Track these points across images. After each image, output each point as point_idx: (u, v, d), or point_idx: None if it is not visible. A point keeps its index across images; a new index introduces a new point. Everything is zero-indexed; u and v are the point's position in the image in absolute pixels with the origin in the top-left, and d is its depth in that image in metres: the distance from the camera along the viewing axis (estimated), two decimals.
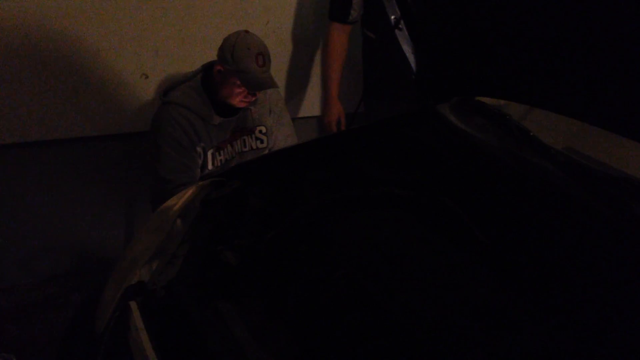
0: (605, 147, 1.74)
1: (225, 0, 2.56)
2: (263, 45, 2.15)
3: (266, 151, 2.39)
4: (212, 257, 1.37)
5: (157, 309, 1.28)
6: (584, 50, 1.40)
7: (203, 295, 1.29)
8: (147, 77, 2.51)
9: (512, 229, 1.44)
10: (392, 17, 1.78)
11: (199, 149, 2.20)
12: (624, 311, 1.20)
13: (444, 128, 1.73)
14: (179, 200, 1.50)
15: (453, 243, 1.42)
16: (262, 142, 2.39)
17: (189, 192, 1.51)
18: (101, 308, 1.40)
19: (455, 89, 1.82)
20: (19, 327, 2.45)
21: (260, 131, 2.38)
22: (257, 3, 2.64)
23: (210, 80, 2.21)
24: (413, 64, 1.83)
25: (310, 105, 3.01)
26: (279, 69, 2.60)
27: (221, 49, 2.15)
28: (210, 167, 2.25)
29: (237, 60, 2.10)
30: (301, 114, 3.01)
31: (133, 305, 1.28)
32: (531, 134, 1.60)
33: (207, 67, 2.25)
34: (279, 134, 2.43)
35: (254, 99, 2.23)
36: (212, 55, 2.30)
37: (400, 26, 1.77)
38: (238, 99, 2.18)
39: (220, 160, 2.29)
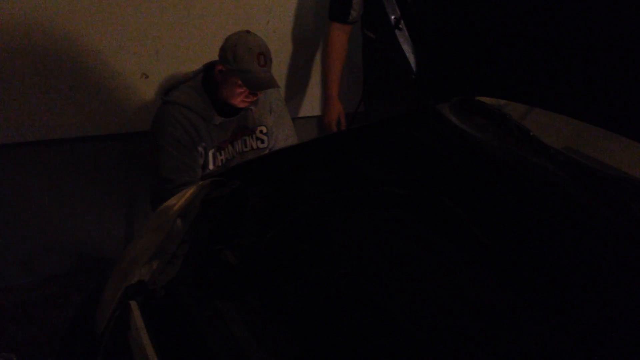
0: (605, 147, 1.74)
1: (225, 1, 2.56)
2: (264, 45, 2.15)
3: (266, 151, 2.39)
4: (212, 257, 1.37)
5: (157, 309, 1.28)
6: (584, 50, 1.40)
7: (203, 295, 1.29)
8: (147, 77, 2.51)
9: (512, 228, 1.44)
10: (392, 17, 1.78)
11: (200, 149, 2.20)
12: (624, 311, 1.20)
13: (444, 128, 1.73)
14: (179, 200, 1.50)
15: (453, 243, 1.42)
16: (262, 142, 2.39)
17: (189, 192, 1.51)
18: (101, 307, 1.40)
19: (455, 89, 1.82)
20: (19, 326, 2.45)
21: (261, 131, 2.38)
22: (257, 3, 2.64)
23: (211, 80, 2.21)
24: (413, 64, 1.83)
25: (311, 105, 3.01)
26: (279, 69, 2.60)
27: (222, 49, 2.15)
28: (211, 167, 2.26)
29: (238, 60, 2.10)
30: (301, 113, 3.01)
31: (133, 304, 1.28)
32: (531, 134, 1.60)
33: (208, 67, 2.25)
34: (279, 134, 2.43)
35: (255, 99, 2.23)
36: (212, 55, 2.30)
37: (400, 26, 1.77)
38: (239, 99, 2.18)
39: (221, 160, 2.29)
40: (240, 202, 1.51)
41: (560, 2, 1.39)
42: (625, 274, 1.26)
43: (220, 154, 2.28)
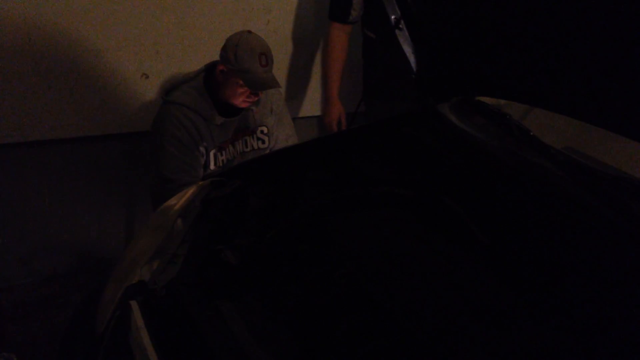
0: (605, 147, 1.74)
1: (225, 1, 2.56)
2: (266, 46, 2.15)
3: (267, 151, 2.39)
4: (213, 257, 1.37)
5: (157, 309, 1.28)
6: (584, 50, 1.40)
7: (203, 295, 1.29)
8: (147, 77, 2.51)
9: (512, 228, 1.44)
10: (392, 17, 1.78)
11: (201, 149, 2.20)
12: (624, 311, 1.20)
13: (444, 128, 1.73)
14: (179, 200, 1.50)
15: (453, 243, 1.42)
16: (263, 142, 2.39)
17: (189, 192, 1.52)
18: (102, 307, 1.40)
19: (455, 89, 1.82)
20: (19, 326, 2.45)
21: (262, 131, 2.38)
22: (257, 3, 2.64)
23: (213, 80, 2.21)
24: (413, 64, 1.83)
25: (311, 105, 3.01)
26: (279, 69, 2.61)
27: (224, 49, 2.15)
28: (212, 167, 2.26)
29: (240, 60, 2.10)
30: (302, 113, 3.01)
31: (133, 304, 1.28)
32: (531, 133, 1.60)
33: (210, 67, 2.25)
34: (280, 134, 2.43)
35: (256, 99, 2.23)
36: (212, 55, 2.30)
37: (400, 26, 1.77)
38: (240, 99, 2.18)
39: (222, 160, 2.29)
40: (240, 202, 1.51)
41: (560, 2, 1.39)
42: (625, 274, 1.26)
43: (222, 154, 2.28)
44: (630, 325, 1.17)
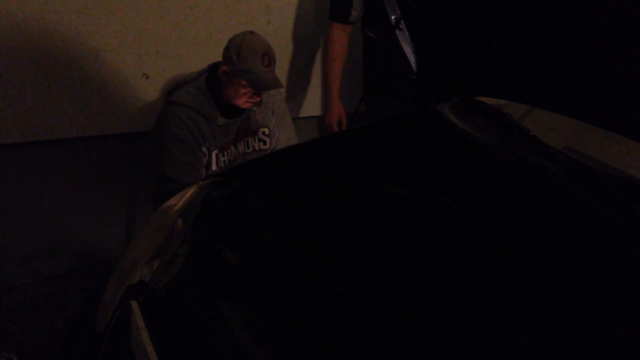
0: (605, 147, 1.74)
1: (226, 1, 2.56)
2: (268, 46, 2.15)
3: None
4: (213, 257, 1.37)
5: (158, 308, 1.28)
6: (584, 50, 1.40)
7: (204, 295, 1.29)
8: (147, 77, 2.51)
9: (512, 228, 1.44)
10: (393, 17, 1.78)
11: (204, 149, 2.20)
12: (624, 311, 1.20)
13: (444, 128, 1.73)
14: (180, 200, 1.50)
15: (453, 243, 1.42)
16: (264, 143, 2.39)
17: (189, 192, 1.52)
18: (102, 307, 1.40)
19: (455, 89, 1.82)
20: (20, 326, 2.45)
21: (264, 132, 2.38)
22: (257, 3, 2.64)
23: (216, 81, 2.21)
24: (413, 64, 1.83)
25: (311, 105, 3.01)
26: (279, 70, 2.60)
27: (227, 50, 2.15)
28: (214, 167, 2.26)
29: (243, 61, 2.10)
30: (302, 114, 3.01)
31: (134, 304, 1.28)
32: (531, 134, 1.60)
33: (212, 68, 2.25)
34: (281, 135, 2.43)
35: (259, 99, 2.23)
36: (212, 55, 2.30)
37: (400, 26, 1.77)
38: (243, 100, 2.18)
39: (224, 161, 2.29)
40: (241, 202, 1.51)
41: (560, 2, 1.39)
42: (625, 273, 1.26)
43: (223, 155, 2.29)
44: (630, 325, 1.17)
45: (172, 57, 2.52)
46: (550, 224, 1.42)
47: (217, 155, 2.25)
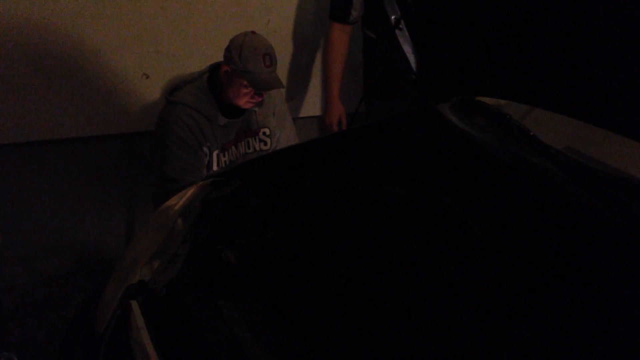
0: (605, 147, 1.74)
1: (225, 1, 2.56)
2: (270, 46, 2.15)
3: None
4: (213, 257, 1.37)
5: (158, 308, 1.28)
6: (584, 50, 1.40)
7: (204, 295, 1.29)
8: (148, 77, 2.51)
9: (512, 228, 1.44)
10: (393, 17, 1.78)
11: (205, 149, 2.20)
12: (624, 310, 1.20)
13: (444, 128, 1.73)
14: (180, 200, 1.50)
15: (453, 242, 1.42)
16: (265, 144, 2.39)
17: (189, 192, 1.52)
18: (102, 307, 1.40)
19: (455, 89, 1.82)
20: (20, 326, 2.45)
21: (264, 133, 2.38)
22: (257, 3, 2.64)
23: (217, 81, 2.21)
24: (413, 64, 1.83)
25: (312, 105, 3.02)
26: (280, 70, 2.60)
27: (228, 50, 2.15)
28: (215, 167, 2.26)
29: (244, 61, 2.10)
30: (302, 113, 3.01)
31: (134, 304, 1.28)
32: (531, 133, 1.60)
33: (214, 68, 2.25)
34: (281, 136, 2.43)
35: (260, 99, 2.23)
36: (213, 55, 2.30)
37: (400, 26, 1.77)
38: (244, 100, 2.19)
39: (225, 161, 2.29)
40: (240, 202, 1.51)
41: (560, 2, 1.39)
42: (625, 273, 1.26)
43: (224, 155, 2.29)
44: (630, 325, 1.17)
45: (172, 57, 2.52)
46: (550, 224, 1.42)
47: (218, 156, 2.26)
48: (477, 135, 1.67)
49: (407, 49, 1.82)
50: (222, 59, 2.20)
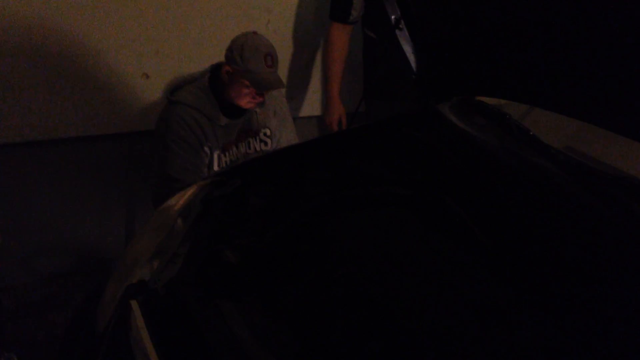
0: (605, 147, 1.74)
1: (225, 1, 2.56)
2: (271, 46, 2.15)
3: None
4: (213, 256, 1.37)
5: (158, 308, 1.28)
6: (584, 50, 1.40)
7: (204, 294, 1.29)
8: (147, 77, 2.51)
9: (512, 228, 1.44)
10: (393, 17, 1.78)
11: (206, 149, 2.20)
12: (624, 310, 1.20)
13: (444, 128, 1.73)
14: (180, 200, 1.50)
15: (453, 242, 1.42)
16: (266, 144, 2.39)
17: (189, 192, 1.52)
18: (102, 307, 1.41)
19: (455, 89, 1.82)
20: (20, 326, 2.45)
21: (265, 134, 2.38)
22: (257, 3, 2.64)
23: (218, 81, 2.21)
24: (413, 64, 1.83)
25: (312, 105, 3.02)
26: (280, 70, 2.60)
27: (229, 50, 2.15)
28: (216, 168, 2.26)
29: (245, 61, 2.10)
30: (302, 113, 3.01)
31: (134, 304, 1.28)
32: (531, 133, 1.60)
33: (215, 68, 2.25)
34: (282, 136, 2.43)
35: (261, 99, 2.23)
36: (212, 55, 2.30)
37: (400, 26, 1.77)
38: (246, 100, 2.19)
39: (226, 161, 2.29)
40: (240, 202, 1.51)
41: (560, 2, 1.39)
42: (625, 273, 1.26)
43: (225, 156, 2.29)
44: (631, 325, 1.17)
45: (172, 57, 2.52)
46: (550, 224, 1.42)
47: (219, 156, 2.26)
48: (477, 135, 1.67)
49: (407, 49, 1.82)
50: (222, 59, 2.20)
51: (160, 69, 2.52)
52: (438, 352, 1.15)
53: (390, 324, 1.20)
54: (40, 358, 2.31)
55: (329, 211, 1.51)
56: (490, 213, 1.48)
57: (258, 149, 2.38)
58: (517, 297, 1.27)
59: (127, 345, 1.26)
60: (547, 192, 1.47)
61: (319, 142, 1.91)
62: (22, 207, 2.56)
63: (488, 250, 1.37)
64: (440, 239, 1.44)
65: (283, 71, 2.81)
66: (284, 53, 2.79)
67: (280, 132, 2.42)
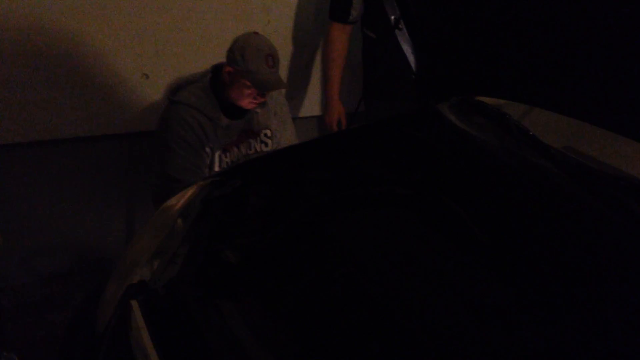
0: (605, 147, 1.74)
1: (225, 1, 2.56)
2: (272, 47, 2.16)
3: None
4: (213, 256, 1.37)
5: (158, 308, 1.28)
6: (583, 49, 1.40)
7: (204, 294, 1.29)
8: (147, 77, 2.51)
9: (512, 228, 1.44)
10: (392, 17, 1.78)
11: (207, 149, 2.20)
12: (624, 310, 1.20)
13: (444, 128, 1.73)
14: (180, 200, 1.50)
15: (453, 242, 1.42)
16: (266, 145, 2.39)
17: (189, 192, 1.52)
18: (102, 307, 1.41)
19: (455, 89, 1.82)
20: (20, 326, 2.45)
21: (265, 134, 2.38)
22: (257, 3, 2.64)
23: (219, 82, 2.22)
24: (413, 64, 1.83)
25: (311, 105, 3.02)
26: (280, 70, 2.61)
27: (231, 50, 2.15)
28: (216, 168, 2.26)
29: (247, 62, 2.10)
30: (302, 113, 3.01)
31: (134, 304, 1.28)
32: (531, 133, 1.60)
33: (216, 69, 2.25)
34: (282, 138, 2.44)
35: (262, 100, 2.23)
36: (212, 55, 2.30)
37: (400, 26, 1.77)
38: (247, 101, 2.19)
39: (227, 162, 2.29)
40: (240, 202, 1.51)
41: (559, 2, 1.39)
42: (625, 273, 1.26)
43: (226, 156, 2.29)
44: (631, 325, 1.17)
45: (172, 57, 2.52)
46: (550, 224, 1.42)
47: (220, 156, 2.26)
48: (477, 135, 1.67)
49: (407, 49, 1.82)
50: (222, 59, 2.20)
51: (160, 69, 2.52)
52: (438, 352, 1.15)
53: (390, 324, 1.20)
54: (40, 358, 2.31)
55: (329, 211, 1.51)
56: (490, 213, 1.48)
57: (259, 149, 2.38)
58: (517, 297, 1.27)
59: (127, 345, 1.27)
60: (547, 192, 1.47)
61: (319, 142, 1.91)
62: (22, 207, 2.56)
63: (488, 250, 1.37)
64: (440, 239, 1.44)
65: (283, 71, 2.81)
66: (284, 53, 2.79)
67: (280, 133, 2.43)
